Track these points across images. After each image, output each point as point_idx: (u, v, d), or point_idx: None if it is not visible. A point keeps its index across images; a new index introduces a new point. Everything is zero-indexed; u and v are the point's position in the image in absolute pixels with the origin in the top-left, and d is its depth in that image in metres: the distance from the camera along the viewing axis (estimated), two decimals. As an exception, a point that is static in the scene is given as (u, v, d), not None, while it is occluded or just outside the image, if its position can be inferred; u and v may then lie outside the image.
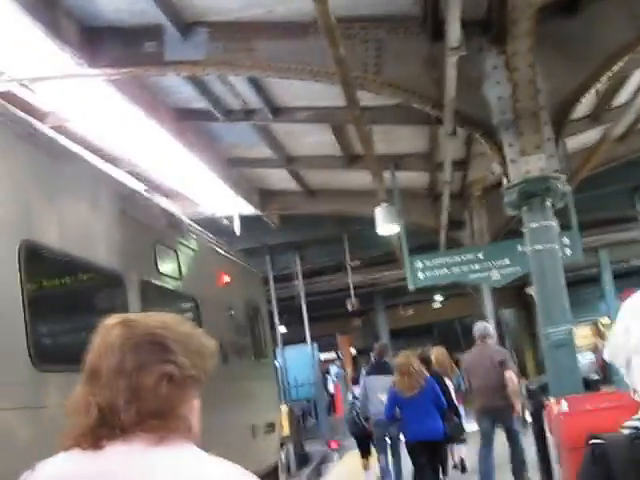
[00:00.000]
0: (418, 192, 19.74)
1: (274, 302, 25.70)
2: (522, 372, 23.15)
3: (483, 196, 18.27)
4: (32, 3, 9.42)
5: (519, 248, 14.57)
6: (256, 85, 12.92)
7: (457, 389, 15.50)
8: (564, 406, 8.22)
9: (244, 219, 20.34)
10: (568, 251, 14.22)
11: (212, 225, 16.76)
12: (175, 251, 8.97)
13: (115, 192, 7.58)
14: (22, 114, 6.40)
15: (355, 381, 22.16)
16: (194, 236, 10.13)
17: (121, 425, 2.06)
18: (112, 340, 2.11)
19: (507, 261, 15.27)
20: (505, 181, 9.90)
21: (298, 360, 26.22)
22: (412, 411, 11.18)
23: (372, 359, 14.96)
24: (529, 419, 11.92)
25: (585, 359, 27.61)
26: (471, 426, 14.61)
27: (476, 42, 10.04)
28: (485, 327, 13.38)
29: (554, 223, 9.80)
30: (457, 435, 12.50)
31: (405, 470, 13.00)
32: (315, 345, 27.68)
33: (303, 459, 20.06)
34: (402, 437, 12.38)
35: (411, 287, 15.90)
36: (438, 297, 36.96)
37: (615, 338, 2.28)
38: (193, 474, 2.04)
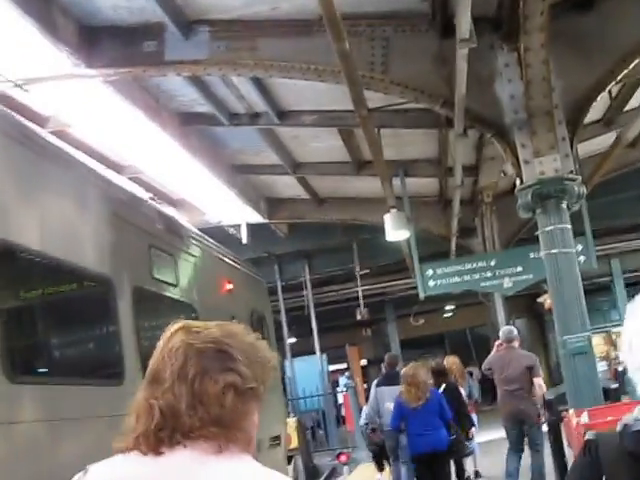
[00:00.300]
0: (428, 199, 19.40)
1: (282, 312, 25.35)
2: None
3: (494, 202, 17.84)
4: (27, 1, 9.12)
5: (532, 255, 14.28)
6: (261, 87, 12.57)
7: (468, 397, 15.17)
8: (585, 418, 7.81)
9: (251, 228, 20.05)
10: (581, 258, 13.77)
11: (219, 234, 16.44)
12: (172, 256, 8.55)
13: (106, 193, 7.17)
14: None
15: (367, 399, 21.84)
16: (194, 241, 9.72)
17: (182, 429, 2.06)
18: (176, 344, 2.12)
19: (519, 268, 14.93)
20: (518, 182, 9.52)
21: (307, 371, 25.82)
22: (417, 422, 11.03)
23: (383, 370, 14.78)
24: (545, 429, 11.68)
25: (599, 368, 27.11)
26: (486, 435, 14.29)
27: (487, 39, 9.74)
28: (510, 330, 12.99)
29: (570, 226, 9.39)
30: (460, 449, 12.12)
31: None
32: (324, 356, 27.30)
33: (312, 473, 19.63)
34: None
35: (422, 295, 15.60)
36: (449, 307, 36.57)
37: (622, 354, 2.35)
38: None
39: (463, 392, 14.24)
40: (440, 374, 13.14)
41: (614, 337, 30.95)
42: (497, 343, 13.06)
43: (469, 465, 14.53)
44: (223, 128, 14.68)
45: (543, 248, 9.45)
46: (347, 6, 9.33)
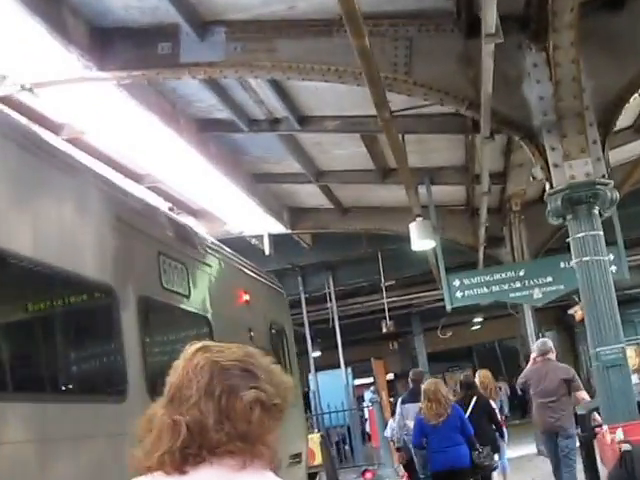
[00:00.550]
0: (455, 207, 18.95)
1: (306, 325, 24.95)
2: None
3: (523, 211, 17.39)
4: (35, 1, 8.80)
5: (562, 264, 14.02)
6: (280, 92, 12.18)
7: (499, 412, 15.02)
8: (619, 434, 7.34)
9: (274, 239, 19.66)
10: (613, 268, 13.28)
11: (241, 245, 16.10)
12: (184, 265, 8.12)
13: (109, 196, 6.77)
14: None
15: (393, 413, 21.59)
16: (208, 250, 9.31)
17: (209, 445, 2.09)
18: (200, 362, 2.16)
19: (549, 279, 14.59)
20: (548, 187, 9.07)
21: (332, 386, 25.37)
22: (438, 439, 10.89)
23: (409, 385, 14.52)
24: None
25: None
26: (517, 450, 13.93)
27: (514, 39, 9.36)
28: (544, 342, 12.75)
29: (602, 233, 8.91)
30: (483, 464, 11.77)
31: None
32: (349, 370, 26.87)
33: (337, 491, 19.15)
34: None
35: (448, 307, 15.24)
36: (477, 319, 36.06)
37: None
38: None
39: (495, 406, 14.02)
40: (469, 387, 13.03)
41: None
42: (532, 356, 12.80)
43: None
44: (242, 135, 14.29)
45: (574, 256, 8.98)
46: (369, 5, 8.99)
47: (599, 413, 9.21)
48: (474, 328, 38.22)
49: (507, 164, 14.85)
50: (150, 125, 12.33)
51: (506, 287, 14.81)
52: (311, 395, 25.30)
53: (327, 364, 28.22)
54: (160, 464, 2.10)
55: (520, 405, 33.93)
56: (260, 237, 19.34)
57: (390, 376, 36.14)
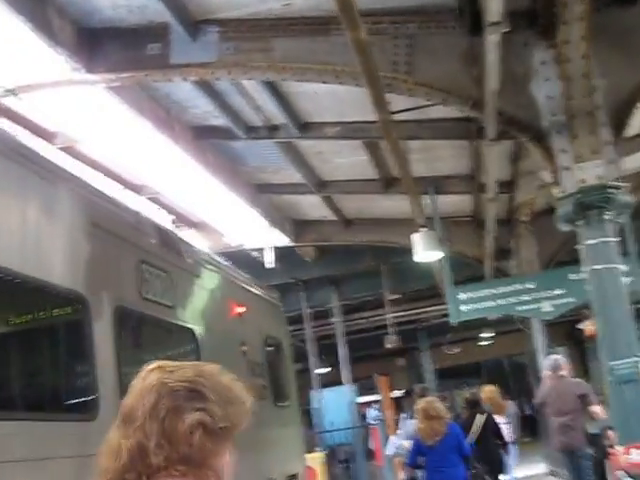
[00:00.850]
0: (461, 219, 18.47)
1: (310, 341, 24.48)
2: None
3: (532, 222, 16.88)
4: (20, 0, 8.40)
5: (572, 276, 13.72)
6: (278, 97, 11.74)
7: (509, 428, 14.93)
8: (634, 455, 6.81)
9: (277, 252, 19.16)
10: (627, 279, 12.75)
11: (243, 259, 15.63)
12: (169, 275, 7.59)
13: (83, 199, 6.28)
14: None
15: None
16: (197, 259, 8.80)
17: (148, 470, 2.05)
18: (149, 383, 2.13)
19: (559, 291, 14.20)
20: (558, 192, 8.52)
21: (335, 403, 24.84)
22: (434, 459, 10.59)
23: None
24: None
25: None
26: (525, 470, 13.52)
27: (521, 36, 8.90)
28: (555, 360, 12.59)
29: (615, 239, 8.38)
30: None
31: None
32: (354, 387, 26.38)
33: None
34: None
35: (453, 321, 14.85)
36: (486, 334, 35.56)
37: None
38: None
39: (502, 420, 14.10)
40: (475, 405, 12.90)
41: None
42: (545, 374, 12.75)
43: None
44: (240, 143, 13.86)
45: (585, 264, 8.46)
46: (367, 2, 8.54)
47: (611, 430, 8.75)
48: (482, 344, 37.76)
49: (515, 172, 14.37)
50: (144, 132, 11.91)
51: (514, 300, 14.41)
52: (314, 413, 24.84)
53: (332, 381, 27.70)
54: None
55: (529, 425, 33.42)
56: (261, 250, 18.84)
57: (398, 393, 35.66)
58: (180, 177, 13.88)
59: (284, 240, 18.79)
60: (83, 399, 5.89)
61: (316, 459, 16.06)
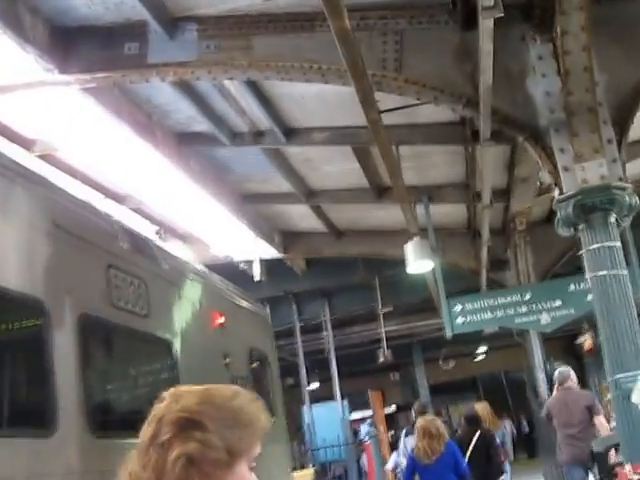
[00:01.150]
0: (455, 229, 17.99)
1: (301, 356, 24.01)
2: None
3: (528, 232, 16.37)
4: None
5: (572, 287, 13.37)
6: (263, 100, 11.29)
7: (501, 445, 15.02)
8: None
9: (266, 264, 18.74)
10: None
11: (230, 271, 15.14)
12: (142, 281, 7.08)
13: (44, 198, 5.77)
14: None
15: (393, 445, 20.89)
16: (174, 266, 8.28)
17: None
18: (156, 413, 2.12)
19: (558, 302, 13.57)
20: (557, 194, 8.01)
21: (327, 419, 24.37)
22: (430, 478, 10.43)
23: (413, 417, 14.33)
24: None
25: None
26: None
27: (516, 30, 8.49)
28: (562, 372, 12.54)
29: (619, 244, 7.87)
30: None
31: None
32: (346, 402, 25.91)
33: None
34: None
35: (449, 334, 14.29)
36: (482, 348, 35.12)
37: None
38: None
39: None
40: (471, 421, 12.75)
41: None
42: (555, 386, 12.59)
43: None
44: (226, 151, 13.40)
45: (588, 270, 7.90)
46: (355, -4, 8.09)
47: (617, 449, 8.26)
48: (478, 359, 37.32)
49: (511, 179, 13.85)
50: (125, 139, 11.46)
51: (511, 312, 13.82)
52: (305, 429, 24.39)
53: (324, 396, 27.25)
54: None
55: (526, 444, 33.01)
56: (250, 263, 18.35)
57: (391, 408, 35.22)
58: (163, 186, 13.43)
59: (272, 252, 18.29)
60: (38, 414, 5.35)
61: (306, 476, 15.50)
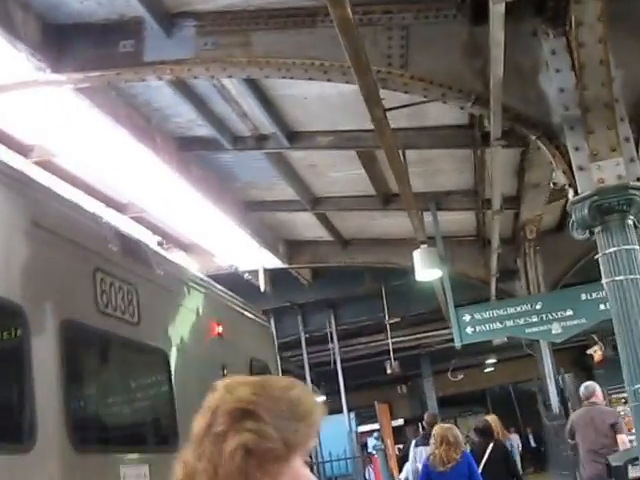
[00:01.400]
0: (464, 238, 17.64)
1: (307, 368, 23.64)
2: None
3: (538, 241, 15.99)
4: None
5: (584, 297, 13.21)
6: (265, 102, 10.95)
7: None
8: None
9: (271, 274, 18.38)
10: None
11: (234, 282, 14.76)
12: (133, 287, 6.68)
13: (22, 195, 5.37)
14: None
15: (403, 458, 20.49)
16: (169, 271, 7.88)
17: None
18: (210, 404, 2.08)
19: (570, 312, 13.39)
20: (572, 194, 7.61)
21: (333, 432, 23.99)
22: None
23: (421, 429, 14.77)
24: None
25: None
26: None
27: (528, 24, 8.11)
28: (587, 386, 12.14)
29: (638, 247, 7.45)
30: None
31: None
32: (353, 415, 25.53)
33: None
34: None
35: (458, 344, 14.06)
36: (490, 360, 34.73)
37: None
38: None
39: None
40: (484, 433, 12.56)
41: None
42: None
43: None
44: (228, 156, 13.06)
45: (605, 275, 7.49)
46: (358, -10, 7.70)
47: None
48: (487, 370, 36.93)
49: (521, 186, 13.48)
50: (123, 143, 11.11)
51: (521, 322, 13.62)
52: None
53: (331, 409, 26.85)
54: None
55: (534, 457, 32.59)
56: (255, 273, 17.96)
57: (399, 422, 34.85)
58: (164, 193, 13.09)
59: (276, 262, 17.91)
60: (14, 428, 4.95)
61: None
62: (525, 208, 14.45)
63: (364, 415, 30.04)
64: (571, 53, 7.57)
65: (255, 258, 17.37)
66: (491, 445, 12.12)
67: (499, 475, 11.74)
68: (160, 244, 15.74)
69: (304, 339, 23.54)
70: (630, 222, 7.42)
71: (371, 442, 24.81)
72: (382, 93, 8.17)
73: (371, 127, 8.73)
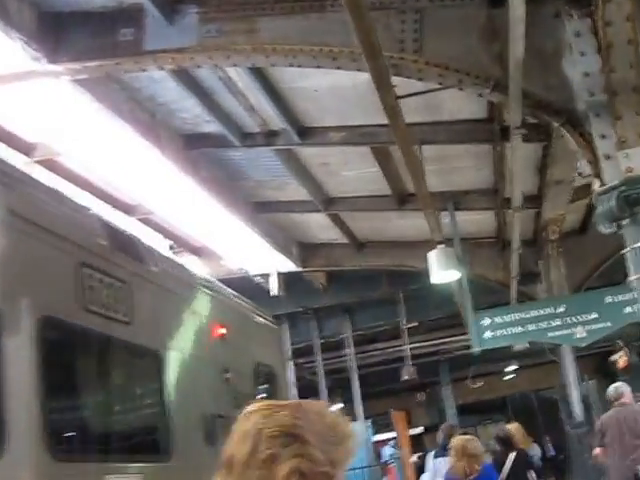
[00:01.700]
0: (483, 240, 17.16)
1: (321, 374, 23.29)
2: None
3: (561, 242, 15.47)
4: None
5: (609, 299, 12.81)
6: (273, 95, 10.51)
7: None
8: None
9: (285, 278, 17.91)
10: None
11: (247, 286, 14.31)
12: (125, 283, 6.21)
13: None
14: None
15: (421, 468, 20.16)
16: (166, 268, 7.42)
17: None
18: (247, 429, 2.07)
19: (594, 315, 12.91)
20: (597, 185, 7.12)
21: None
22: None
23: (438, 440, 13.85)
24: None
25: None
26: None
27: (550, 6, 7.64)
28: (616, 387, 11.91)
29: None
30: None
31: None
32: (369, 423, 25.11)
33: None
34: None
35: (476, 349, 13.68)
36: (511, 367, 34.27)
37: None
38: None
39: None
40: (505, 443, 12.24)
41: None
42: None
43: None
44: (236, 154, 12.65)
45: (634, 271, 7.02)
46: (369, -28, 7.28)
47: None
48: (508, 377, 36.46)
49: (543, 183, 12.97)
50: (126, 139, 10.70)
51: (544, 325, 13.16)
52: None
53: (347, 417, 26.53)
54: None
55: (553, 467, 32.06)
56: (267, 276, 17.52)
57: (418, 430, 34.42)
58: (170, 193, 12.64)
59: (290, 265, 17.45)
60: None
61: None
62: (547, 207, 13.93)
63: (380, 423, 29.72)
64: (596, 34, 7.09)
65: (268, 261, 16.93)
66: (513, 454, 11.83)
67: None
68: (171, 248, 15.34)
69: (319, 345, 23.29)
70: (661, 214, 6.93)
71: (387, 451, 24.32)
72: (395, 82, 7.71)
73: (385, 122, 8.33)
